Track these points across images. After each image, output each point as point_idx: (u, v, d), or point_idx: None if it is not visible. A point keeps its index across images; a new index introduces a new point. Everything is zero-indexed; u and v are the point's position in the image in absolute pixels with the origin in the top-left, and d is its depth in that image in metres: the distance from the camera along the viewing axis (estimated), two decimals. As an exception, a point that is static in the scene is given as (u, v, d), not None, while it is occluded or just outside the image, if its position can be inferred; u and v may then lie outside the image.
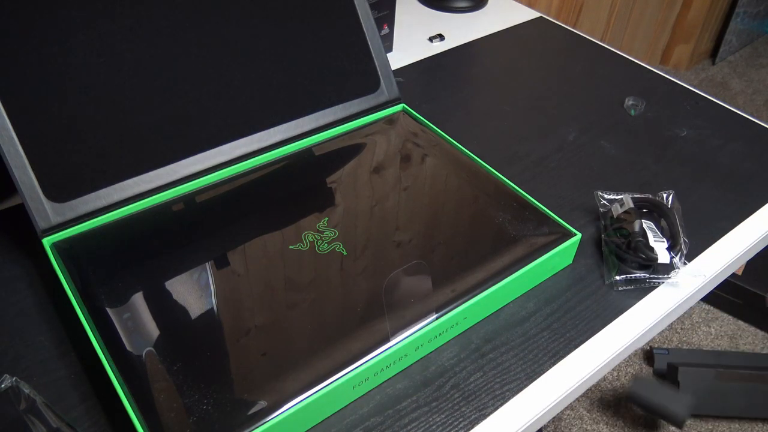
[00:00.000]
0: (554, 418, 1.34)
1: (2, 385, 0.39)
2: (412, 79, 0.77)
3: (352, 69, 0.63)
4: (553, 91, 0.76)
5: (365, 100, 0.63)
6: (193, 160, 0.55)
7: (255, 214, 0.53)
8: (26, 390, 0.39)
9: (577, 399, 1.37)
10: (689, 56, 2.34)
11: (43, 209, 0.49)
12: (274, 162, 0.58)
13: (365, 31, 0.63)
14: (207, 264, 0.49)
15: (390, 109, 0.65)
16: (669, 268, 0.52)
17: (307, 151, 0.60)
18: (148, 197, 0.53)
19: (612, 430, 1.31)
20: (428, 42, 0.85)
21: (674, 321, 1.53)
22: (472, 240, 0.52)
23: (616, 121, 0.72)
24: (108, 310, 0.45)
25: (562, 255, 0.53)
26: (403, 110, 0.65)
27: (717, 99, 0.76)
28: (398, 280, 0.48)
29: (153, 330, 0.44)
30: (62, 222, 0.50)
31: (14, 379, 0.40)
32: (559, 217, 0.57)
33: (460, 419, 0.44)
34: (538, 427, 0.46)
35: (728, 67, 2.43)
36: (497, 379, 0.46)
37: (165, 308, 0.45)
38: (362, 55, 0.63)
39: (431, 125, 0.63)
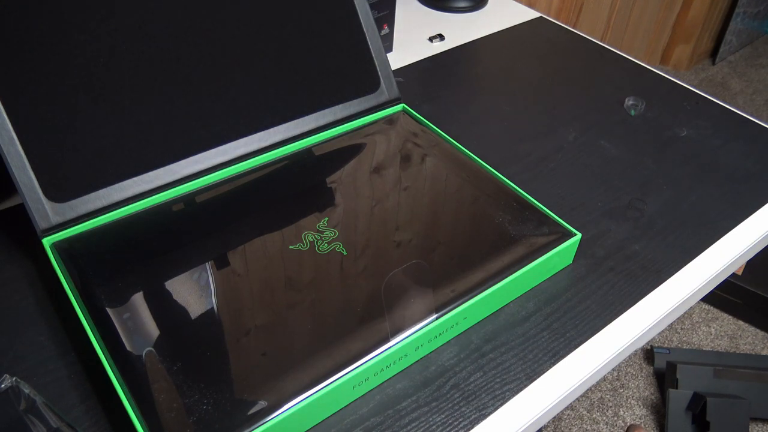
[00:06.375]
0: (554, 418, 1.34)
1: (2, 385, 0.39)
2: (412, 79, 0.77)
3: (352, 69, 0.63)
4: (553, 91, 0.76)
5: (365, 100, 0.63)
6: (193, 160, 0.55)
7: (255, 214, 0.53)
8: (26, 390, 0.39)
9: (577, 399, 1.37)
10: (689, 56, 2.34)
11: (43, 209, 0.49)
12: (274, 162, 0.58)
13: (365, 31, 0.63)
14: (207, 264, 0.49)
15: (390, 109, 0.65)
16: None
17: (307, 151, 0.60)
18: (148, 197, 0.53)
19: (612, 430, 1.31)
20: (428, 42, 0.85)
21: (674, 321, 1.53)
22: (472, 240, 0.52)
23: (616, 121, 0.72)
24: (108, 310, 0.45)
25: (562, 255, 0.53)
26: (403, 110, 0.65)
27: (717, 99, 0.76)
28: (398, 280, 0.48)
29: (153, 330, 0.44)
30: (62, 222, 0.50)
31: (14, 379, 0.40)
32: (559, 217, 0.57)
33: (460, 419, 0.44)
34: (538, 427, 0.46)
35: (728, 67, 2.43)
36: (497, 379, 0.46)
37: (165, 308, 0.45)
38: (362, 55, 0.63)
39: (431, 125, 0.63)
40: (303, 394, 0.41)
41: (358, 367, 0.43)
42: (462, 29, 0.88)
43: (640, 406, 1.36)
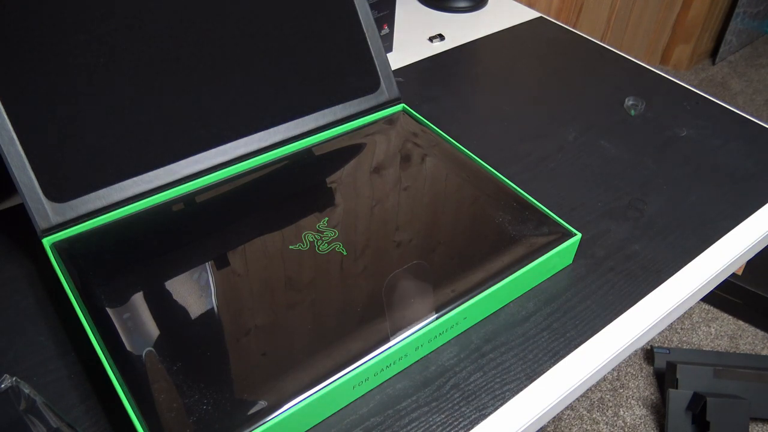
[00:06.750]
0: (554, 418, 1.34)
1: (2, 385, 0.39)
2: (412, 79, 0.77)
3: (352, 69, 0.63)
4: (553, 91, 0.76)
5: (365, 100, 0.63)
6: (193, 160, 0.55)
7: (255, 214, 0.53)
8: (26, 390, 0.39)
9: (577, 399, 1.37)
10: (689, 56, 2.34)
11: (43, 209, 0.49)
12: (274, 162, 0.58)
13: (365, 31, 0.63)
14: (207, 264, 0.49)
15: (390, 109, 0.65)
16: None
17: (307, 151, 0.60)
18: (148, 197, 0.53)
19: (612, 430, 1.31)
20: (428, 42, 0.85)
21: (674, 321, 1.53)
22: (472, 240, 0.52)
23: (616, 121, 0.72)
24: (108, 310, 0.45)
25: (562, 255, 0.53)
26: (403, 110, 0.65)
27: (717, 99, 0.76)
28: (398, 280, 0.48)
29: (153, 330, 0.44)
30: (62, 222, 0.50)
31: (14, 379, 0.40)
32: (559, 217, 0.57)
33: (460, 419, 0.44)
34: (538, 427, 0.46)
35: (728, 67, 2.43)
36: (497, 379, 0.46)
37: (165, 308, 0.45)
38: (362, 55, 0.63)
39: (431, 125, 0.63)
40: (303, 394, 0.41)
41: (358, 367, 0.43)
42: (462, 29, 0.88)
43: (640, 406, 1.36)
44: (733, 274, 1.50)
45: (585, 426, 1.32)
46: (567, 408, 1.35)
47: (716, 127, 0.72)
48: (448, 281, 0.48)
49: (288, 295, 0.47)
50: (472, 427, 0.44)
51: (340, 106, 0.62)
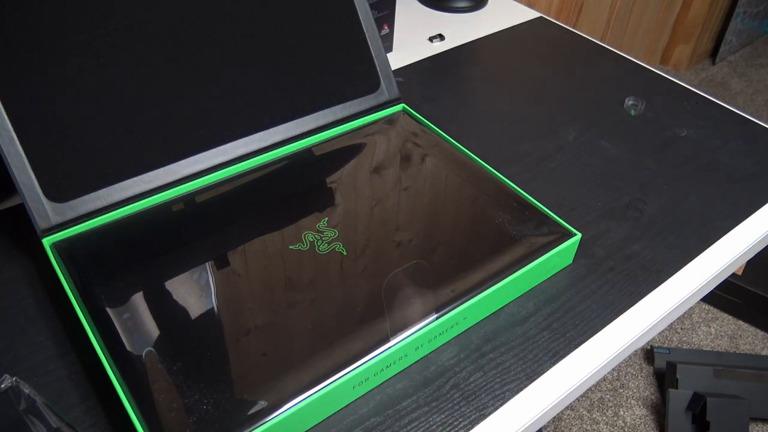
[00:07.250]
0: (554, 418, 1.34)
1: (2, 385, 0.39)
2: (412, 79, 0.77)
3: (352, 69, 0.63)
4: (553, 91, 0.76)
5: (365, 100, 0.63)
6: (193, 160, 0.55)
7: (255, 214, 0.53)
8: (26, 390, 0.39)
9: (577, 399, 1.37)
10: (689, 56, 2.34)
11: (43, 209, 0.49)
12: (274, 162, 0.58)
13: (365, 31, 0.63)
14: (207, 264, 0.49)
15: (390, 109, 0.65)
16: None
17: (307, 151, 0.60)
18: (148, 197, 0.53)
19: (612, 430, 1.31)
20: (428, 42, 0.85)
21: (674, 321, 1.53)
22: (472, 240, 0.52)
23: (616, 121, 0.72)
24: (108, 310, 0.45)
25: (562, 255, 0.53)
26: (403, 110, 0.65)
27: (717, 99, 0.76)
28: (398, 280, 0.48)
29: (153, 330, 0.44)
30: (62, 222, 0.50)
31: (14, 379, 0.40)
32: (559, 217, 0.57)
33: (460, 419, 0.44)
34: (538, 427, 0.46)
35: (728, 67, 2.43)
36: (497, 379, 0.46)
37: (165, 308, 0.45)
38: (362, 55, 0.63)
39: (431, 125, 0.63)
40: (303, 394, 0.41)
41: (358, 367, 0.43)
42: (462, 29, 0.88)
43: (640, 406, 1.36)
44: (733, 274, 1.50)
45: (585, 426, 1.32)
46: (567, 408, 1.35)
47: (716, 127, 0.72)
48: (448, 281, 0.48)
49: (288, 295, 0.47)
50: (472, 427, 0.44)
51: (340, 106, 0.62)
